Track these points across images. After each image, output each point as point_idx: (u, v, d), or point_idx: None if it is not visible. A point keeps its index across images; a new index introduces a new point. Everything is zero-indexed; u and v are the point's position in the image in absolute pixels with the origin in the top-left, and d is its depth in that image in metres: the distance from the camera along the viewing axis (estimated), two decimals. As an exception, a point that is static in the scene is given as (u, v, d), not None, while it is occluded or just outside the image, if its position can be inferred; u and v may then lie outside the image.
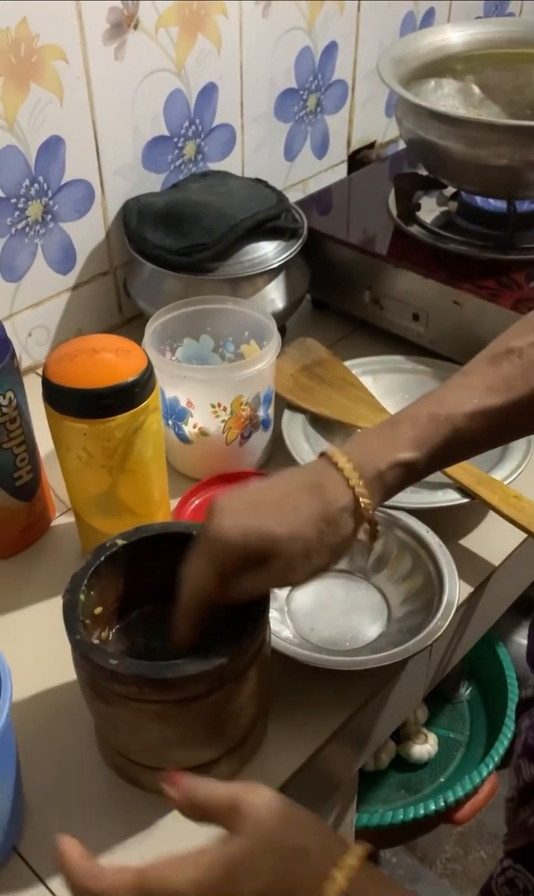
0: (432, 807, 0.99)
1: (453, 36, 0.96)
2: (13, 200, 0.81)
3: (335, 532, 0.48)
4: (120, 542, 0.55)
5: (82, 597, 0.52)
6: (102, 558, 0.54)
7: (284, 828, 0.40)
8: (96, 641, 0.50)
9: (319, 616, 0.68)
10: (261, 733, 0.59)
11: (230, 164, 0.99)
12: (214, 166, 0.98)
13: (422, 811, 0.98)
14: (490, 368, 0.50)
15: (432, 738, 1.10)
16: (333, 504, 0.48)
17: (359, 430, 0.51)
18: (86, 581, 0.53)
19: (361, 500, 0.48)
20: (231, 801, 0.40)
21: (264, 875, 0.38)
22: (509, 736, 1.05)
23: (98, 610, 0.54)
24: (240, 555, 0.47)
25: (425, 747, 1.08)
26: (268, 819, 0.39)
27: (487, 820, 1.27)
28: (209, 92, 0.92)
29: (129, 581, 0.56)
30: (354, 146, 1.15)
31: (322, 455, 0.50)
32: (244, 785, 0.41)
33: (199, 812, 0.41)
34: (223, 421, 0.73)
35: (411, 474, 0.50)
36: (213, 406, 0.72)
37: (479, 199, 0.92)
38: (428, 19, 1.15)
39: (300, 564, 0.48)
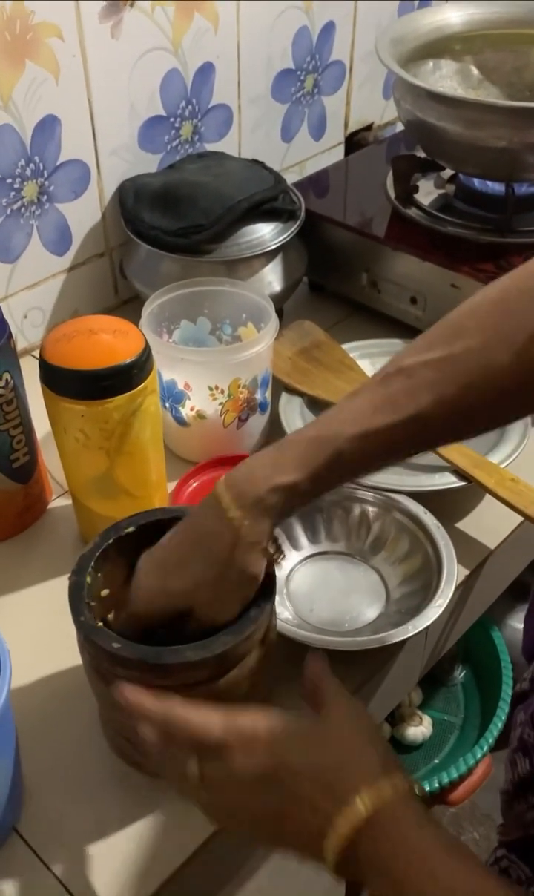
0: (427, 788, 0.99)
1: (452, 16, 0.95)
2: (8, 181, 0.80)
3: (232, 569, 0.48)
4: (129, 525, 0.54)
5: (89, 579, 0.52)
6: (111, 541, 0.53)
7: (364, 735, 0.44)
8: (100, 624, 0.50)
9: (318, 597, 0.68)
10: None
11: (227, 145, 0.98)
12: (210, 147, 0.97)
13: (416, 792, 0.99)
14: (378, 388, 0.47)
15: (427, 721, 1.11)
16: (218, 544, 0.48)
17: (252, 455, 0.51)
18: (93, 563, 0.52)
19: (241, 531, 0.48)
20: (337, 696, 0.46)
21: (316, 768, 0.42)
22: (504, 718, 1.06)
23: (104, 592, 0.54)
24: (156, 614, 0.50)
25: (419, 729, 1.09)
26: (357, 720, 0.45)
27: (480, 801, 1.28)
28: (206, 72, 0.92)
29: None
30: (352, 128, 1.15)
31: (217, 484, 0.50)
32: (347, 694, 0.47)
33: (311, 688, 0.47)
34: (221, 404, 0.73)
35: (294, 497, 0.48)
36: (210, 389, 0.72)
37: (477, 182, 0.91)
38: (426, -1, 1.14)
39: (218, 606, 0.50)
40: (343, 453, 0.47)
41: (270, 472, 0.48)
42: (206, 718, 0.44)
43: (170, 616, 0.51)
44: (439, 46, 0.95)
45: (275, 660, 0.56)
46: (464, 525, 0.74)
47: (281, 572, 0.69)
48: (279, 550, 0.51)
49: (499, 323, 0.46)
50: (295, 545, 0.71)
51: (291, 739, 0.43)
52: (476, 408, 0.47)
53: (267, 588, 0.51)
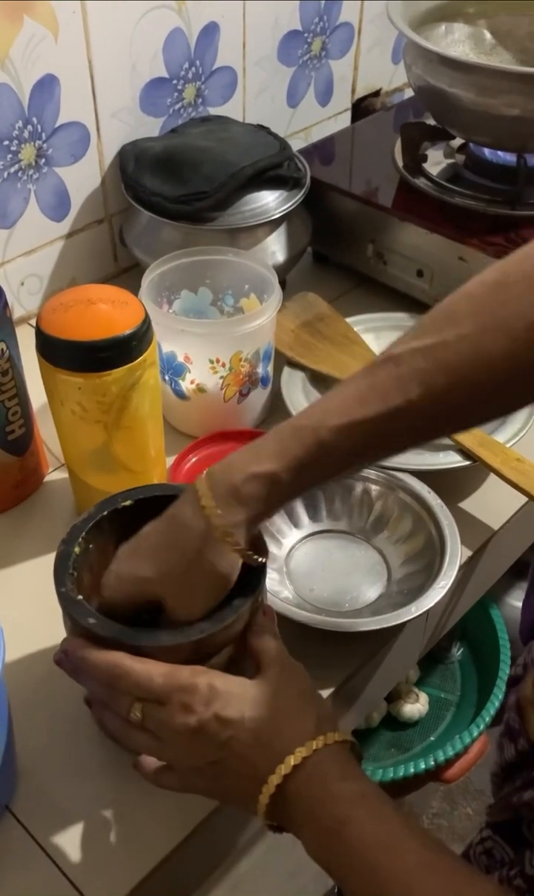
0: (423, 766, 0.99)
1: (466, -23, 0.92)
2: (5, 143, 0.78)
3: (202, 562, 0.46)
4: (127, 499, 0.53)
5: (77, 549, 0.50)
6: (105, 513, 0.52)
7: (300, 694, 0.47)
8: (80, 598, 0.49)
9: (319, 577, 0.67)
10: None
11: (231, 110, 0.95)
12: (214, 111, 0.94)
13: (412, 770, 0.98)
14: (366, 378, 0.45)
15: (423, 698, 1.11)
16: (189, 534, 0.46)
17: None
18: (84, 534, 0.51)
19: (212, 521, 0.46)
20: (278, 656, 0.48)
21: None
22: (500, 697, 1.05)
23: (96, 566, 0.53)
24: (124, 601, 0.49)
25: (415, 706, 1.09)
26: (293, 680, 0.48)
27: (474, 777, 1.29)
28: (211, 31, 0.88)
29: None
30: (359, 93, 1.11)
31: (199, 475, 0.48)
32: (289, 657, 0.49)
33: (255, 647, 0.49)
34: (222, 377, 0.71)
35: (272, 487, 0.46)
36: (211, 361, 0.70)
37: (488, 152, 0.89)
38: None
39: (186, 600, 0.48)
40: (325, 444, 0.45)
41: (247, 461, 0.46)
42: (148, 669, 0.45)
43: (140, 605, 0.49)
44: (452, 9, 0.92)
45: None
46: (468, 505, 0.72)
47: (281, 550, 0.68)
48: (260, 550, 0.49)
49: (495, 309, 0.43)
50: (296, 523, 0.70)
51: (229, 695, 0.45)
52: (468, 400, 0.44)
53: (255, 580, 0.49)
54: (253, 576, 0.49)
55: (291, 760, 0.43)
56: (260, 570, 0.50)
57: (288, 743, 0.44)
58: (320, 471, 0.46)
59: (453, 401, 0.44)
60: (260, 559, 0.49)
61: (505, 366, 0.43)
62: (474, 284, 0.45)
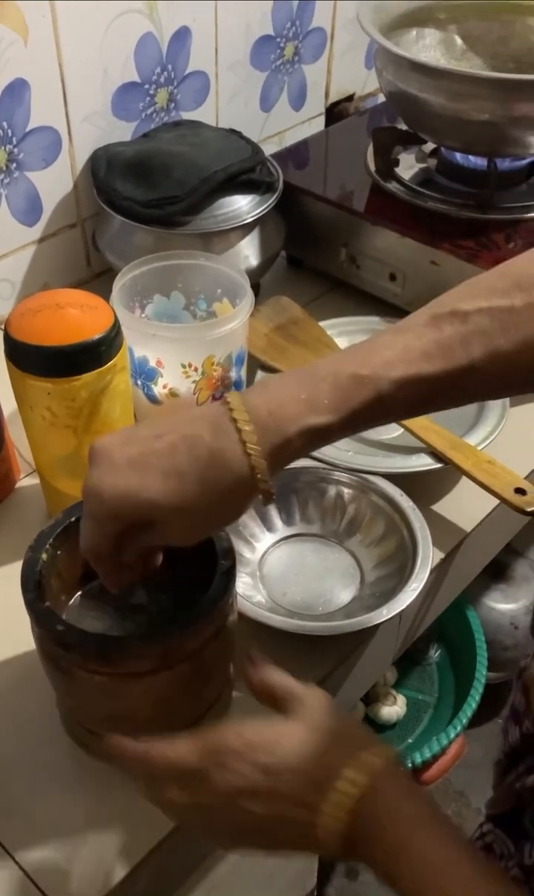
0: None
1: (437, -17, 0.93)
2: (-25, 147, 0.77)
3: (225, 503, 0.43)
4: None
5: (44, 556, 0.50)
6: (73, 519, 0.52)
7: (332, 720, 0.44)
8: (47, 604, 0.48)
9: (292, 580, 0.67)
10: (221, 710, 0.57)
11: (204, 114, 0.96)
12: (187, 115, 0.94)
13: (389, 771, 0.99)
14: (429, 330, 0.43)
15: (401, 700, 1.11)
16: (225, 474, 0.42)
17: (274, 375, 0.46)
18: (51, 540, 0.51)
19: (257, 472, 0.42)
20: (295, 691, 0.46)
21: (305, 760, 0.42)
22: (477, 698, 1.06)
23: (65, 572, 0.52)
24: (121, 519, 0.43)
25: (393, 709, 1.09)
26: (321, 709, 0.45)
27: (452, 779, 1.29)
28: (182, 36, 0.88)
29: None
30: (333, 98, 1.12)
31: (225, 401, 0.43)
32: (305, 685, 0.47)
33: (267, 694, 0.47)
34: (194, 381, 0.71)
35: (321, 439, 0.44)
36: (183, 366, 0.70)
37: (459, 156, 0.89)
38: (411, -34, 1.11)
39: (188, 531, 0.45)
40: (384, 397, 0.43)
41: (303, 409, 0.42)
42: (180, 750, 0.44)
43: (125, 523, 0.44)
44: (423, 15, 0.93)
45: (233, 653, 0.54)
46: (440, 507, 0.73)
47: (255, 555, 0.68)
48: (271, 496, 0.44)
49: None
50: (269, 527, 0.70)
51: (263, 744, 0.43)
52: (532, 366, 0.44)
53: (224, 584, 0.49)
54: (223, 578, 0.49)
55: (344, 785, 0.41)
56: (231, 571, 0.50)
57: (336, 769, 0.42)
58: (374, 421, 0.45)
59: (517, 365, 0.44)
60: (274, 498, 0.44)
61: None
62: None
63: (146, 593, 0.55)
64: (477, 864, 0.40)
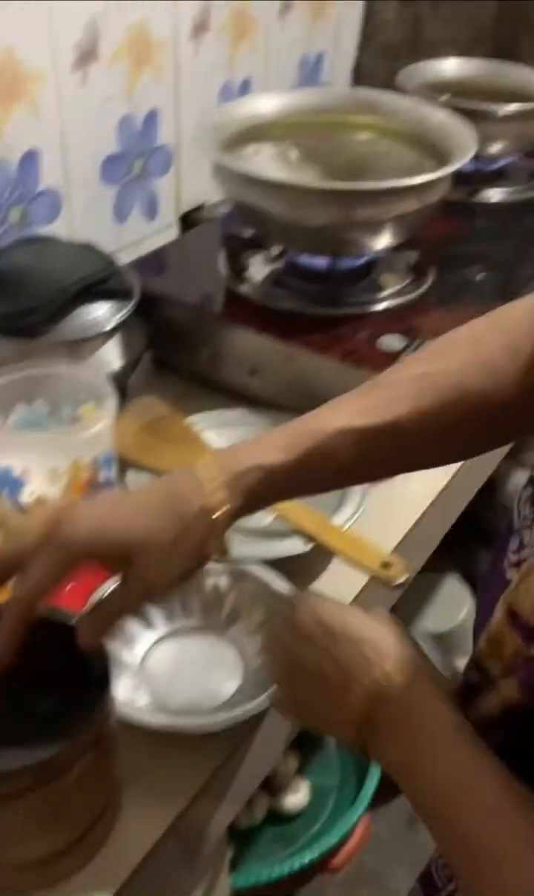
0: (308, 857, 0.98)
1: (271, 103, 1.01)
2: None
3: (191, 536, 0.49)
4: None
5: None
6: None
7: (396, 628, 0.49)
8: None
9: (177, 678, 0.67)
10: (112, 815, 0.56)
11: (59, 228, 0.99)
12: (41, 231, 0.97)
13: (297, 864, 0.97)
14: (359, 398, 0.53)
15: (304, 787, 1.10)
16: (187, 507, 0.49)
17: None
18: None
19: (212, 502, 0.49)
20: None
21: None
22: (377, 775, 1.06)
23: None
24: (95, 553, 0.48)
25: (297, 797, 1.08)
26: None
27: (366, 861, 1.28)
28: (31, 158, 0.93)
29: None
30: (184, 208, 1.18)
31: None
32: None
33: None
34: (62, 487, 0.72)
35: (273, 477, 0.51)
36: (51, 471, 0.71)
37: (303, 258, 0.96)
38: (245, 89, 1.21)
39: (158, 567, 0.49)
40: (326, 445, 0.51)
41: (252, 452, 0.51)
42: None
43: (110, 557, 0.48)
44: (260, 131, 1.00)
45: (114, 761, 0.54)
46: (319, 586, 0.75)
47: (134, 656, 0.68)
48: (224, 551, 0.52)
49: (473, 349, 0.52)
50: (149, 625, 0.70)
51: (338, 613, 0.49)
52: (453, 425, 0.52)
53: (99, 688, 0.49)
54: (97, 682, 0.49)
55: (385, 675, 0.45)
56: (105, 677, 0.50)
57: (386, 657, 0.46)
58: (322, 467, 0.52)
59: (440, 423, 0.52)
60: (219, 560, 0.53)
61: (485, 398, 0.52)
62: (462, 329, 0.55)
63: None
64: (503, 770, 0.42)
